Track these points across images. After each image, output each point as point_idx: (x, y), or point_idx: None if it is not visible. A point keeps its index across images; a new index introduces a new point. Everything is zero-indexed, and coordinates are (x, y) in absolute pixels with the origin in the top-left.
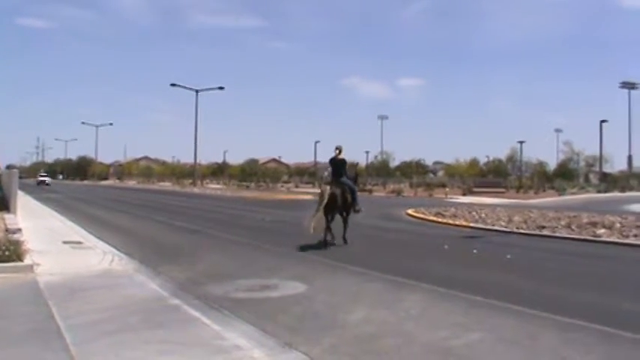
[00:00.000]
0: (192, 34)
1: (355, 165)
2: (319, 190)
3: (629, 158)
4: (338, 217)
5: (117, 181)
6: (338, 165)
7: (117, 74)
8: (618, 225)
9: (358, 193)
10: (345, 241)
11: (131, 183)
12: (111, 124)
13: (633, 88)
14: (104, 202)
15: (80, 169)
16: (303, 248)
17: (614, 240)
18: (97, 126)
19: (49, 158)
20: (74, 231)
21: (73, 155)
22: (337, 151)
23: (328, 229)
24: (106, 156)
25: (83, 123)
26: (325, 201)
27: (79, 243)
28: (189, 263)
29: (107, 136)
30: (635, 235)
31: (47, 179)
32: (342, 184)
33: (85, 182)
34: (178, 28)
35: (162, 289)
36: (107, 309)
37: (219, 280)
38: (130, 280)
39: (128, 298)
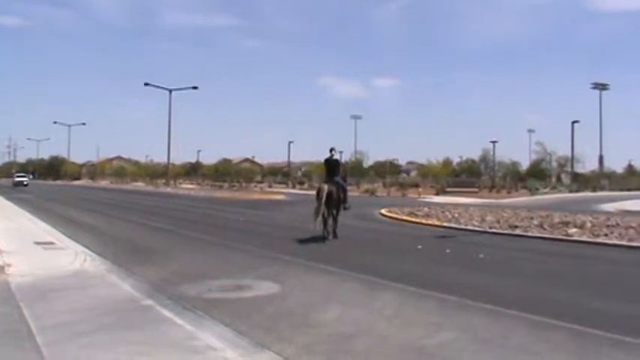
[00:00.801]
0: (166, 32)
1: (344, 165)
2: (316, 189)
3: (600, 158)
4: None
5: (89, 180)
6: (332, 165)
7: (90, 73)
8: (589, 224)
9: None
10: (335, 235)
11: (104, 183)
12: (84, 123)
13: (604, 89)
14: (76, 202)
15: (52, 168)
16: (277, 248)
17: (586, 239)
18: (69, 126)
19: (21, 158)
20: (46, 231)
21: (46, 155)
22: (331, 153)
23: (324, 224)
24: (79, 155)
25: (55, 122)
26: (324, 198)
27: (51, 243)
28: (162, 263)
29: (80, 136)
30: (606, 235)
31: (25, 179)
32: (336, 182)
33: (58, 182)
34: (152, 27)
35: (135, 289)
36: (79, 310)
37: (192, 281)
38: (103, 281)
39: (100, 299)
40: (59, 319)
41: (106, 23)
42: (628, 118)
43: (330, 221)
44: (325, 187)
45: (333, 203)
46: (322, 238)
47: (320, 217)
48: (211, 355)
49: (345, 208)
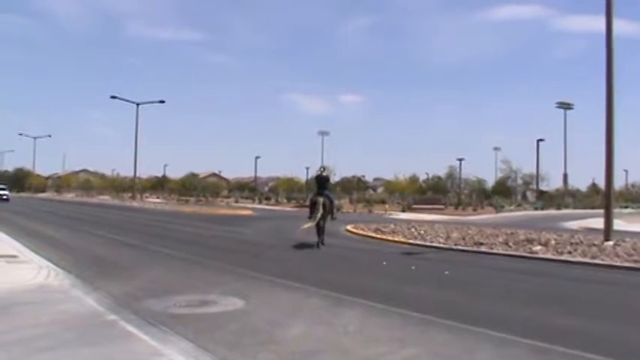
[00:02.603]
0: (133, 45)
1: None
2: (309, 202)
3: (565, 176)
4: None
5: (55, 193)
6: (322, 181)
7: (56, 85)
8: (553, 242)
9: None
10: (322, 243)
11: (69, 196)
12: (49, 136)
13: (569, 108)
14: (41, 214)
15: (17, 181)
16: (243, 264)
17: (550, 257)
18: (34, 138)
19: None
20: (8, 244)
21: (10, 167)
22: (322, 170)
23: (318, 232)
24: (44, 168)
25: (21, 134)
26: (321, 209)
27: (14, 257)
28: (127, 278)
29: (45, 148)
30: (570, 252)
31: (6, 193)
32: (326, 195)
33: (22, 194)
34: (119, 40)
35: (99, 304)
36: (42, 325)
37: (157, 296)
38: (66, 296)
39: (64, 314)
40: (21, 334)
41: (72, 35)
42: (592, 137)
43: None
44: (320, 199)
45: (325, 214)
46: (317, 245)
47: (314, 224)
48: None
49: (332, 219)
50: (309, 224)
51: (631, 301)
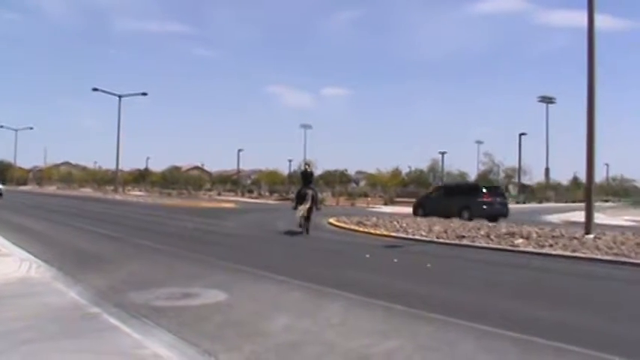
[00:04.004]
0: (117, 38)
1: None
2: (295, 194)
3: (547, 170)
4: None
5: (36, 186)
6: (307, 176)
7: (38, 77)
8: (535, 235)
9: None
10: (308, 232)
11: (51, 189)
12: (31, 128)
13: (551, 102)
14: (22, 207)
15: None
16: (225, 256)
17: (531, 250)
18: (16, 130)
19: None
20: None
21: None
22: (307, 166)
23: (306, 220)
24: (26, 160)
25: (1, 126)
26: (310, 200)
27: None
28: (109, 271)
29: (27, 141)
30: (551, 245)
31: (1, 187)
32: (312, 188)
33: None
34: (102, 32)
35: (81, 297)
36: (23, 318)
37: (140, 288)
38: (48, 289)
39: (46, 307)
40: (3, 327)
41: (56, 27)
42: (573, 131)
43: (303, 221)
44: (309, 192)
45: (313, 204)
46: (305, 230)
47: (302, 214)
48: None
49: (317, 209)
50: (302, 212)
51: (611, 294)
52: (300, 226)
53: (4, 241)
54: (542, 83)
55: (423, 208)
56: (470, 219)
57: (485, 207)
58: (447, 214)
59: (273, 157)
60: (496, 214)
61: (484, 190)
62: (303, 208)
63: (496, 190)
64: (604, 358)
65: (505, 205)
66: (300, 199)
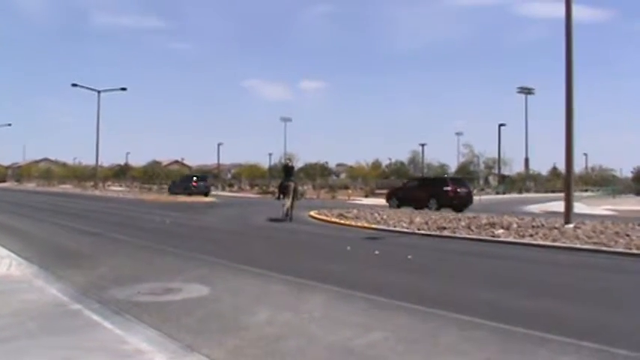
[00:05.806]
0: (95, 33)
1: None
2: (278, 186)
3: (526, 161)
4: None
5: (15, 183)
6: (289, 169)
7: (15, 73)
8: (515, 225)
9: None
10: (291, 219)
11: (30, 185)
12: (9, 124)
13: (530, 93)
14: (1, 205)
15: None
16: (206, 250)
17: (512, 240)
18: None
19: None
20: None
21: None
22: (288, 160)
23: (290, 208)
24: (4, 157)
25: None
26: (292, 192)
27: None
28: (90, 267)
29: (5, 137)
30: (531, 235)
31: None
32: (294, 181)
33: None
34: (80, 27)
35: (62, 293)
36: (4, 315)
37: (121, 284)
38: (29, 286)
39: (27, 304)
40: None
41: (33, 24)
42: (552, 121)
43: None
44: (291, 184)
45: (295, 195)
46: (289, 218)
47: (288, 204)
48: (140, 358)
49: (298, 199)
50: (287, 204)
51: (591, 283)
52: (286, 215)
53: None
54: (521, 74)
55: (396, 199)
56: (438, 208)
57: (451, 196)
58: (417, 204)
59: (253, 150)
60: (461, 203)
61: (450, 182)
62: (287, 200)
63: (461, 182)
64: (585, 346)
65: (470, 194)
66: (282, 190)
